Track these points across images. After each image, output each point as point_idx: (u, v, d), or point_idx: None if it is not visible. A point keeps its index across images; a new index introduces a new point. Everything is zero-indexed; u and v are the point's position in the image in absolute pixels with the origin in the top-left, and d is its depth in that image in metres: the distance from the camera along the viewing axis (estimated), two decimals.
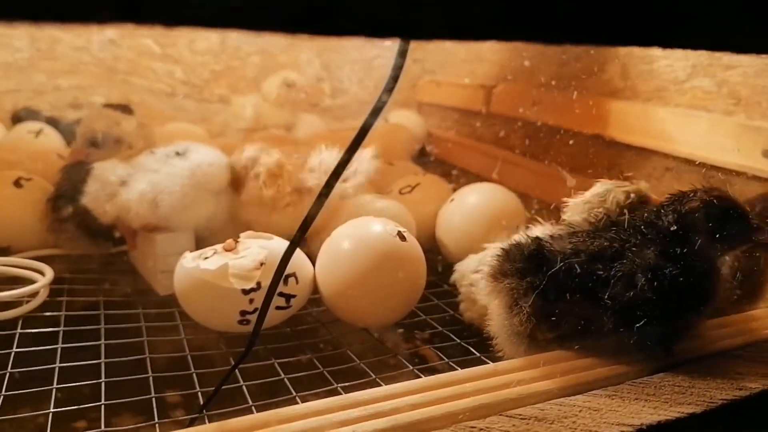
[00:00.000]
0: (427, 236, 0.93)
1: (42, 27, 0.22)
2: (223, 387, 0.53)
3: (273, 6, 0.25)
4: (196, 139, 1.12)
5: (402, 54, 0.46)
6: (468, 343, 0.67)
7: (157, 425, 0.52)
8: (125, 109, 1.02)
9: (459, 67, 1.49)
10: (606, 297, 0.52)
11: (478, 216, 0.89)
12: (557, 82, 1.16)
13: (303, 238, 0.51)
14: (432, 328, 0.74)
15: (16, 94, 1.24)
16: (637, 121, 1.00)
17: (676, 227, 0.55)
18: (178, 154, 0.82)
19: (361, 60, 1.57)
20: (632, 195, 0.64)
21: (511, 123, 1.27)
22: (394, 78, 0.46)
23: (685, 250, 0.53)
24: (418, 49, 1.61)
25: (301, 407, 0.45)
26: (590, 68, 1.11)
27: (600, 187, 0.67)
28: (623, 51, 1.05)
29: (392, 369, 0.64)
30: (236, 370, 0.56)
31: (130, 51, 1.35)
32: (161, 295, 0.78)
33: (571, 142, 1.14)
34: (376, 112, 0.45)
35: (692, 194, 0.57)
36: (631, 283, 0.51)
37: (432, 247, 0.92)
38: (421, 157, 1.40)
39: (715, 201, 0.56)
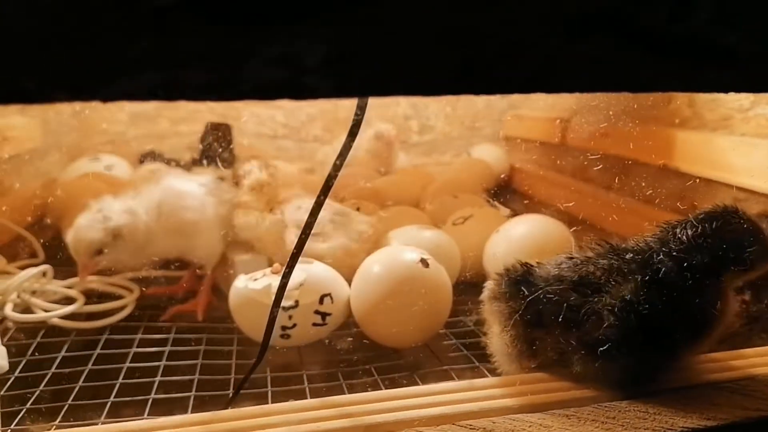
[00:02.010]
0: (477, 266, 0.97)
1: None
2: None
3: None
4: (289, 177, 1.26)
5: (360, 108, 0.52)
6: (474, 355, 0.71)
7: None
8: (226, 128, 1.18)
9: (542, 101, 1.51)
10: (575, 330, 0.54)
11: (523, 246, 0.92)
12: (628, 113, 1.15)
13: (296, 263, 0.59)
14: (448, 338, 0.79)
15: (143, 139, 1.46)
16: (702, 150, 0.98)
17: (663, 257, 0.55)
18: None
19: (446, 98, 1.64)
20: None
21: (585, 155, 1.27)
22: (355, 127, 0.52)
23: (670, 280, 0.53)
24: None
25: (274, 407, 0.53)
26: (659, 98, 1.10)
27: None
28: None
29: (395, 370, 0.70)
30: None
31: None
32: None
33: (642, 173, 1.12)
34: (341, 158, 0.52)
35: (696, 217, 0.57)
36: (599, 319, 0.53)
37: (481, 276, 0.96)
38: (500, 190, 1.43)
39: (721, 222, 0.55)
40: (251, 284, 0.79)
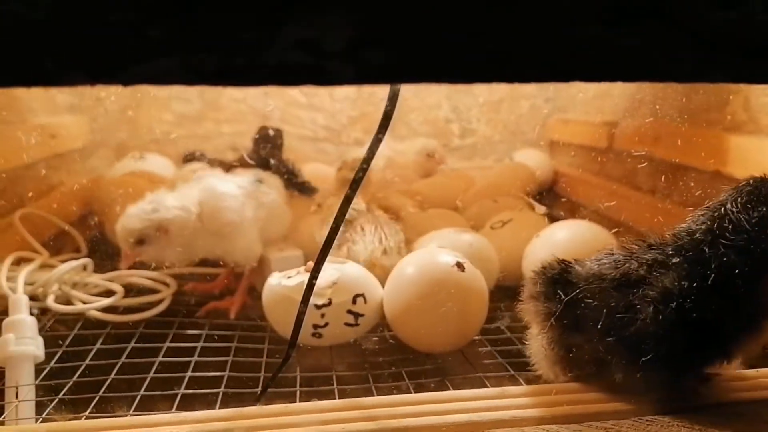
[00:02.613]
0: (515, 270, 0.94)
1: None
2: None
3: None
4: (327, 178, 1.26)
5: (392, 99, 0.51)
6: (510, 363, 0.69)
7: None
8: (277, 132, 1.18)
9: (589, 104, 1.46)
10: (616, 334, 0.50)
11: (563, 252, 0.88)
12: (680, 116, 1.10)
13: (324, 259, 0.58)
14: (484, 345, 0.76)
15: (187, 140, 1.48)
16: (757, 156, 0.92)
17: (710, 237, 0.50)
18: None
19: (489, 102, 1.61)
20: None
21: (634, 159, 1.23)
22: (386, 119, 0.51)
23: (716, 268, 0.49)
24: (550, 87, 1.62)
25: (299, 406, 0.52)
26: (713, 101, 1.04)
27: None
28: None
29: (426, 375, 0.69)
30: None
31: (281, 101, 1.55)
32: None
33: (694, 178, 1.07)
34: (371, 152, 0.51)
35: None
36: (643, 317, 0.50)
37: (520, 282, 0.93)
38: (544, 195, 1.39)
39: None
40: (285, 281, 0.78)
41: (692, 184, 1.04)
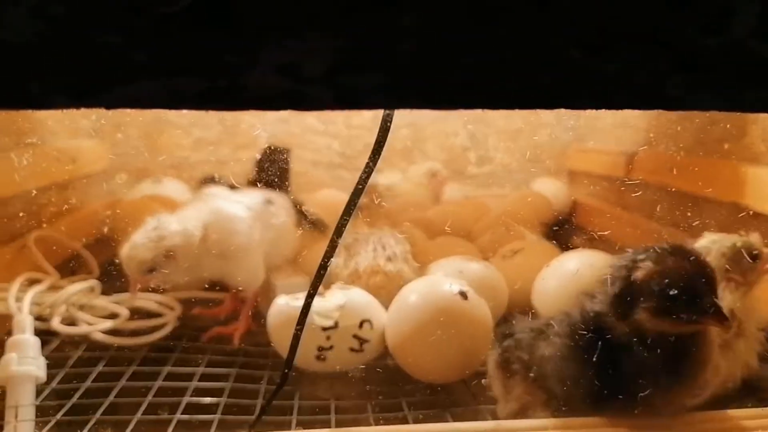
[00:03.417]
0: (525, 300, 0.92)
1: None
2: None
3: None
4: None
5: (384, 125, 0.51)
6: None
7: None
8: (284, 151, 1.19)
9: (608, 134, 1.45)
10: None
11: (573, 282, 0.87)
12: (697, 147, 1.08)
13: (321, 280, 0.58)
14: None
15: (205, 164, 1.50)
16: None
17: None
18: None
19: (506, 130, 1.61)
20: (739, 247, 0.60)
21: (651, 189, 1.21)
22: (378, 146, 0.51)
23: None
24: (571, 116, 1.61)
25: None
26: (731, 132, 1.03)
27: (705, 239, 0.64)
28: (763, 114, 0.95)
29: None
30: None
31: (297, 127, 1.56)
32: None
33: (710, 209, 1.04)
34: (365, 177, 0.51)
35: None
36: None
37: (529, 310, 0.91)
38: (561, 225, 1.37)
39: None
40: (292, 302, 0.78)
41: (709, 215, 1.02)
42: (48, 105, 0.33)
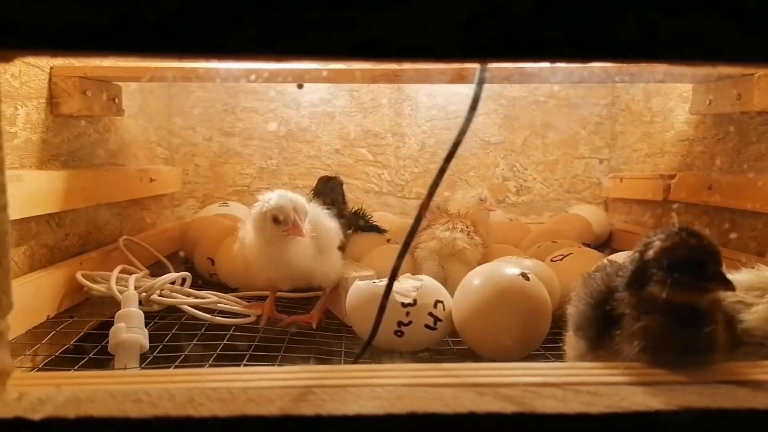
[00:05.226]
0: None
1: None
2: None
3: None
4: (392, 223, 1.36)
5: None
6: None
7: None
8: (336, 179, 1.28)
9: (642, 163, 1.53)
10: None
11: None
12: (734, 165, 1.16)
13: (403, 258, 0.65)
14: (546, 359, 0.81)
15: (265, 191, 1.62)
16: None
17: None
18: None
19: (544, 162, 1.71)
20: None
21: (690, 209, 1.28)
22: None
23: None
24: (604, 148, 1.70)
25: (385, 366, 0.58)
26: (764, 149, 1.10)
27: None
28: None
29: None
30: None
31: (350, 158, 1.68)
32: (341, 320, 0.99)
33: (748, 224, 1.11)
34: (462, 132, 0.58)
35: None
36: None
37: None
38: (600, 248, 1.44)
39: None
40: (372, 284, 0.86)
41: (750, 230, 1.08)
42: (232, 52, 0.43)
